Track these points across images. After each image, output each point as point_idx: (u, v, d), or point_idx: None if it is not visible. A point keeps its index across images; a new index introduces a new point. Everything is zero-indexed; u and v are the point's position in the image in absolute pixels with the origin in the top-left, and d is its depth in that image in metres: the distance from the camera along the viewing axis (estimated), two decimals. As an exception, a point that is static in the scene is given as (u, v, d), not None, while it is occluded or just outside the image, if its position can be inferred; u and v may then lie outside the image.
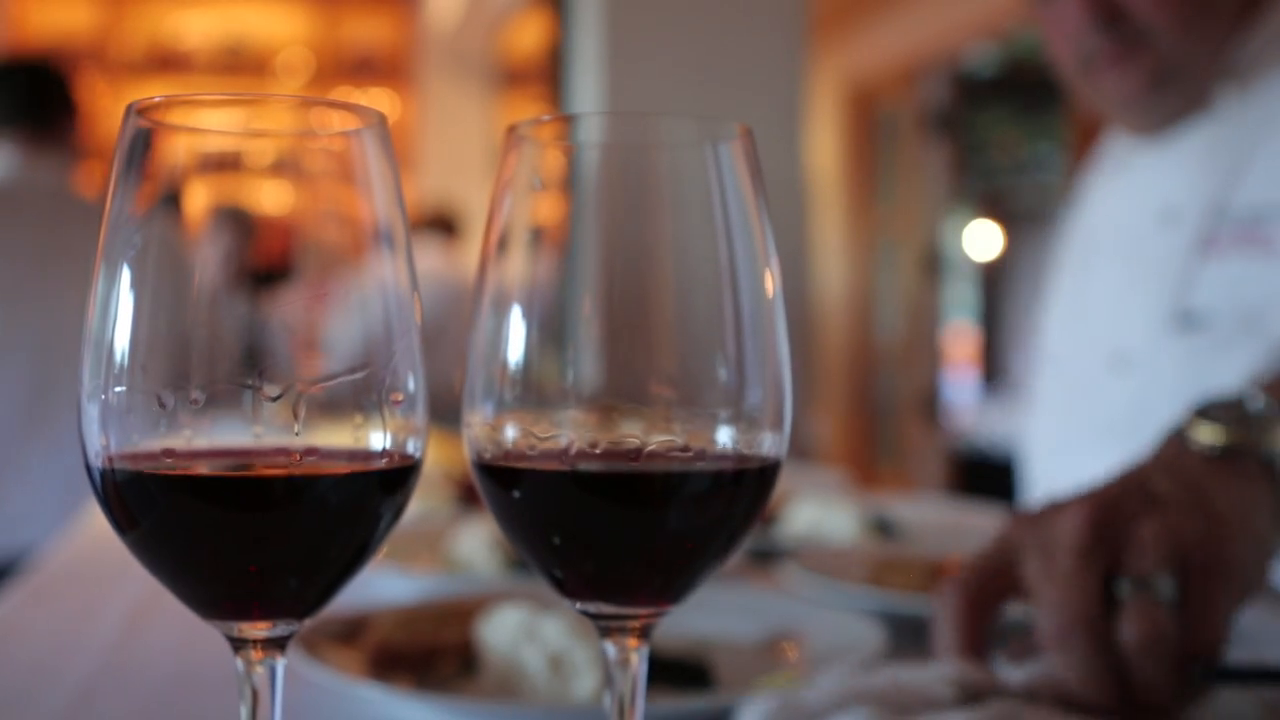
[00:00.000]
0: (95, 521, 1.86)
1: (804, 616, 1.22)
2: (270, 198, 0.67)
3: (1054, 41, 1.75)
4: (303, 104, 0.66)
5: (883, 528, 1.66)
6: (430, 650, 1.11)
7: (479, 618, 1.12)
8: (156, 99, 0.64)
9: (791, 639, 1.18)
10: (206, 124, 0.65)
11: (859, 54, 9.00)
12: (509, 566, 1.44)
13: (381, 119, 0.66)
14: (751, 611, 1.24)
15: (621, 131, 0.67)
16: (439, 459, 2.18)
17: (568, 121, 0.66)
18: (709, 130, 0.64)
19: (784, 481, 1.96)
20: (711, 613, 1.22)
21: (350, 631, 1.15)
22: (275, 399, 0.63)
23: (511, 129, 0.65)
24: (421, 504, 1.88)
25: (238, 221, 0.64)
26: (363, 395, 0.64)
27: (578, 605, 0.66)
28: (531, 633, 1.05)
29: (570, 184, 0.65)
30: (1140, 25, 1.65)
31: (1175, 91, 1.68)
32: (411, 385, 0.65)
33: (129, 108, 0.65)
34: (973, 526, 1.76)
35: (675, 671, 1.06)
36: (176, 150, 0.65)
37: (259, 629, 0.65)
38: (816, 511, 1.67)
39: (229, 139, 0.65)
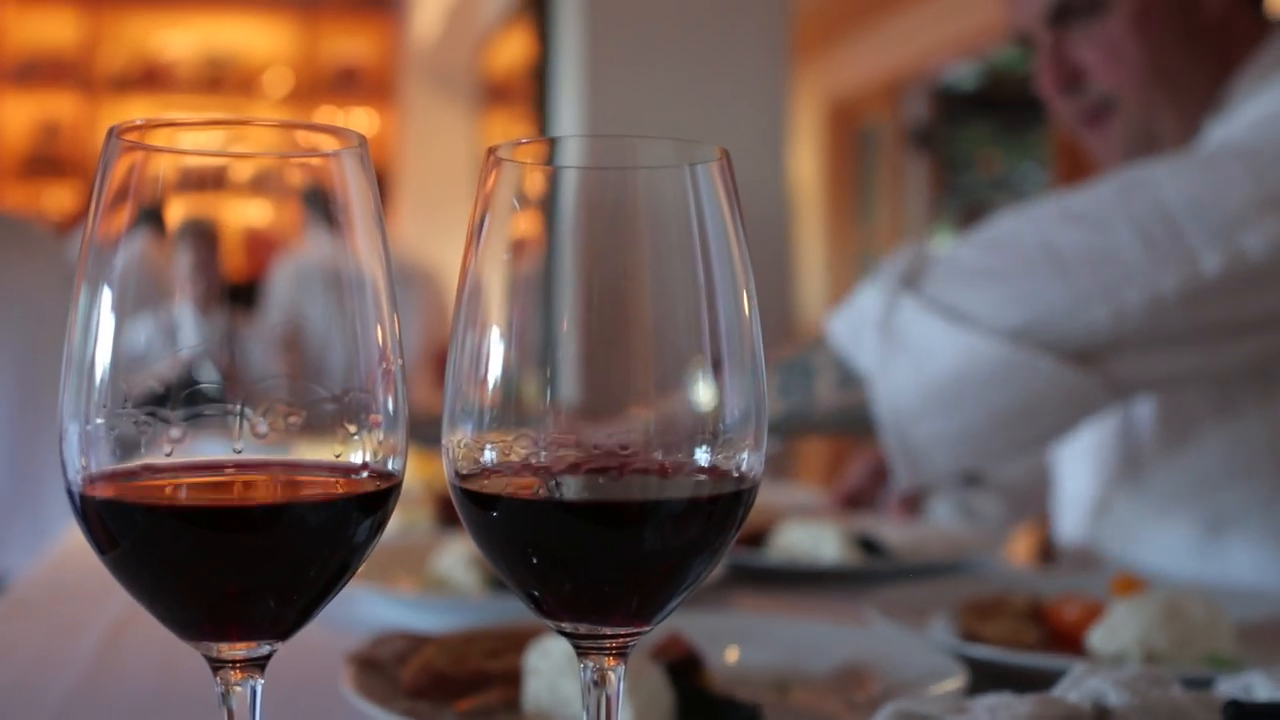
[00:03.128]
0: (75, 538, 1.86)
1: (880, 649, 1.20)
2: (246, 214, 0.67)
3: (1044, 93, 1.78)
4: (283, 126, 0.66)
5: (869, 548, 1.65)
6: (477, 677, 1.08)
7: (530, 645, 1.08)
8: (137, 122, 0.65)
9: (868, 672, 1.16)
10: (187, 147, 0.65)
11: (840, 70, 9.03)
12: (488, 585, 1.43)
13: (361, 141, 0.67)
14: (828, 644, 1.22)
15: (600, 154, 0.67)
16: (421, 474, 2.18)
17: (547, 144, 0.67)
18: (687, 153, 0.64)
19: (768, 501, 1.95)
20: (789, 649, 1.20)
21: (411, 651, 1.12)
22: (255, 419, 0.63)
23: (491, 151, 0.66)
24: (402, 518, 1.87)
25: (201, 235, 0.65)
26: (342, 416, 0.64)
27: (555, 625, 0.66)
28: (575, 663, 1.01)
29: (550, 205, 0.66)
30: (1102, 90, 1.70)
31: (1149, 148, 1.70)
32: (391, 406, 0.65)
33: (110, 131, 0.65)
34: (962, 545, 1.75)
35: (726, 712, 1.03)
36: (157, 173, 0.65)
37: (238, 650, 0.65)
38: (805, 533, 1.65)
39: (210, 161, 0.66)
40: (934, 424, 1.47)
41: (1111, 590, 1.35)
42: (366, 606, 1.39)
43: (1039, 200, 1.55)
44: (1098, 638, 1.22)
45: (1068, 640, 1.26)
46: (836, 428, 1.59)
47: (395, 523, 1.85)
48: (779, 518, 1.76)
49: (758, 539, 1.69)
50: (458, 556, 1.47)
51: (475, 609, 1.37)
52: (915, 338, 1.46)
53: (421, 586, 1.50)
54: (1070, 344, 1.41)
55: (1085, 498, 1.86)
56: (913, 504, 1.97)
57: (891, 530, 1.81)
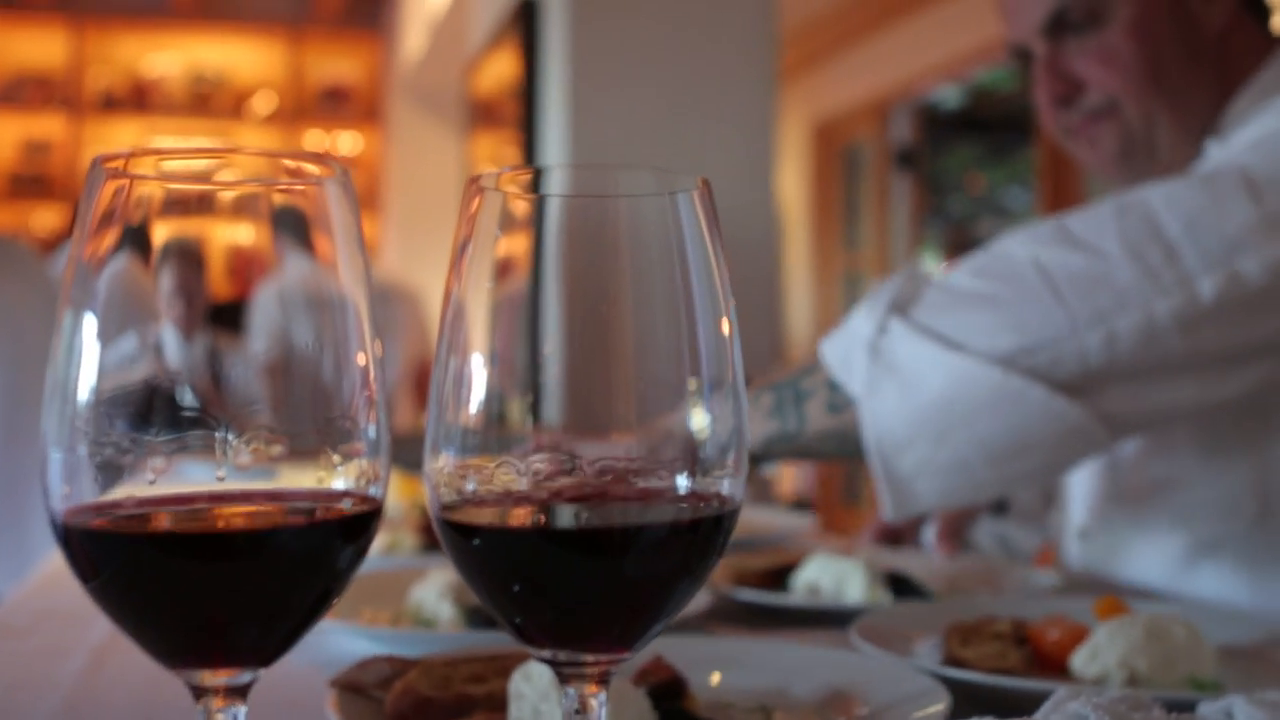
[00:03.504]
0: (60, 561, 1.85)
1: (864, 673, 1.18)
2: (230, 236, 0.67)
3: (1040, 105, 1.78)
4: (266, 155, 0.67)
5: (899, 585, 1.58)
6: (461, 702, 1.07)
7: (517, 670, 1.06)
8: (123, 153, 0.65)
9: (852, 696, 1.15)
10: (172, 177, 0.66)
11: (825, 90, 9.05)
12: (464, 619, 1.41)
13: (344, 170, 0.67)
14: (812, 668, 1.21)
15: (582, 182, 0.68)
16: (405, 495, 2.18)
17: (529, 172, 0.67)
18: (668, 182, 0.65)
19: (768, 526, 1.93)
20: (773, 672, 1.20)
21: (395, 675, 1.11)
22: (237, 447, 0.64)
23: (473, 180, 0.66)
24: (386, 541, 1.87)
25: (185, 256, 0.65)
26: (323, 442, 0.65)
27: (537, 652, 0.67)
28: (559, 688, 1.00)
29: (531, 234, 0.66)
30: (1101, 97, 1.69)
31: (1146, 157, 1.70)
32: (372, 433, 0.66)
33: (95, 161, 0.65)
34: (998, 578, 1.73)
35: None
36: (141, 201, 0.65)
37: (221, 677, 0.65)
38: (830, 570, 1.59)
39: (195, 191, 0.66)
40: (921, 452, 1.43)
41: (1094, 613, 1.35)
42: (344, 639, 1.37)
43: (1035, 222, 1.52)
44: (1080, 661, 1.22)
45: (1051, 663, 1.26)
46: (827, 451, 1.56)
47: (379, 544, 1.84)
48: (804, 555, 1.69)
49: (781, 577, 1.65)
50: (434, 588, 1.46)
51: (449, 643, 1.36)
52: (904, 362, 1.43)
53: (399, 617, 1.48)
54: (1063, 371, 1.38)
55: (1073, 523, 1.88)
56: (956, 535, 1.91)
57: (918, 564, 1.78)
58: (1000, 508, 2.01)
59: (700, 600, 1.61)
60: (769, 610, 1.57)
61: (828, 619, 1.51)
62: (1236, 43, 1.68)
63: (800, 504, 7.04)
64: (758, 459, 1.56)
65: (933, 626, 1.37)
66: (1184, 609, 1.37)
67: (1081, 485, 1.86)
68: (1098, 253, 1.40)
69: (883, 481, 1.47)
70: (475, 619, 1.40)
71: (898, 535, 1.97)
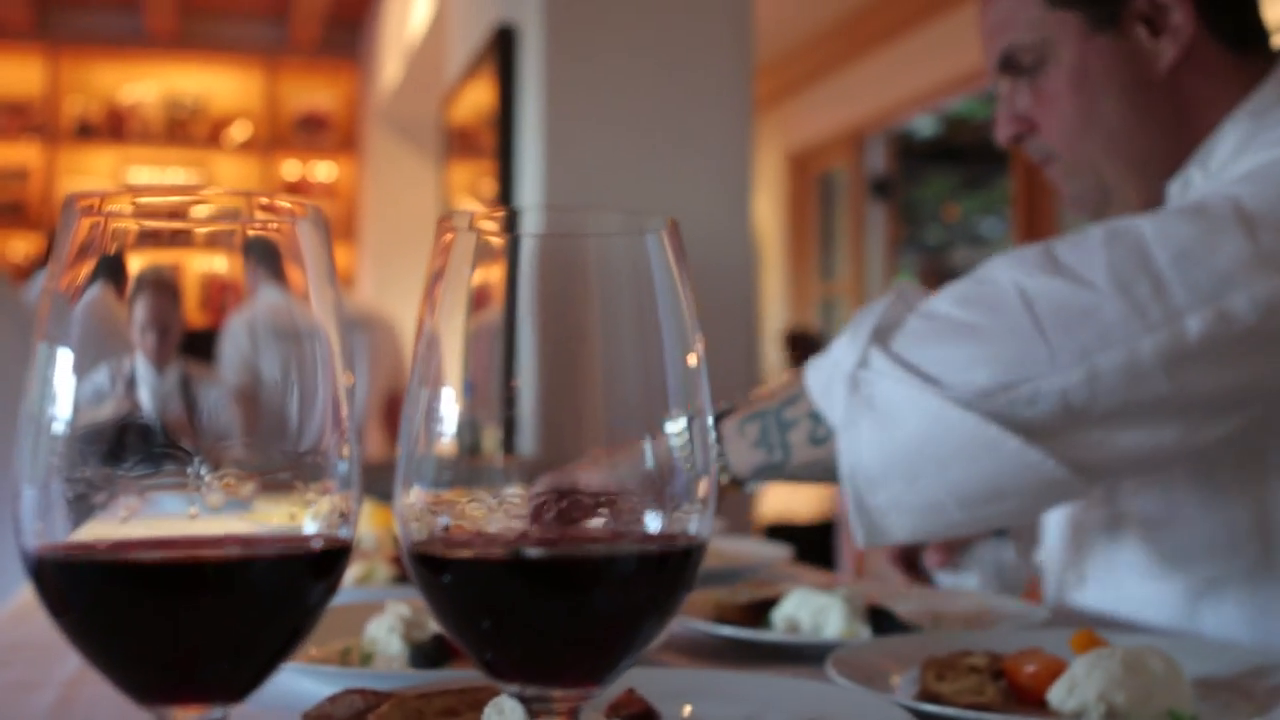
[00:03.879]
0: (30, 593, 1.83)
1: (838, 706, 1.17)
2: (202, 267, 0.67)
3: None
4: (239, 195, 0.67)
5: (880, 619, 1.57)
6: None
7: (489, 704, 1.04)
8: (97, 193, 0.65)
9: None
10: (146, 214, 0.65)
11: (800, 118, 9.10)
12: (410, 657, 1.40)
13: (317, 210, 0.67)
14: (785, 699, 1.20)
15: (553, 222, 0.68)
16: (378, 524, 2.17)
17: (500, 211, 0.67)
18: (637, 222, 0.65)
19: (743, 555, 1.93)
20: (745, 704, 1.19)
21: (368, 709, 1.10)
22: (210, 481, 0.63)
23: (444, 219, 0.66)
24: (360, 570, 1.85)
25: (161, 286, 0.65)
26: (294, 478, 0.64)
27: (505, 687, 0.66)
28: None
29: (502, 273, 0.66)
30: (1044, 144, 1.70)
31: (1101, 200, 1.69)
32: (343, 468, 0.65)
33: (69, 200, 0.65)
34: (983, 613, 1.72)
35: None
36: (117, 236, 0.65)
37: (191, 713, 0.65)
38: (809, 604, 1.59)
39: (169, 230, 0.66)
40: (894, 490, 1.42)
41: (1071, 647, 1.35)
42: (296, 676, 1.35)
43: (1025, 246, 1.48)
44: (1058, 695, 1.22)
45: (1028, 697, 1.26)
46: (811, 479, 1.57)
47: (352, 574, 1.83)
48: (785, 590, 1.68)
49: (762, 612, 1.65)
50: (386, 622, 1.45)
51: (396, 681, 1.34)
52: (881, 399, 1.40)
53: (349, 652, 1.47)
54: (1041, 409, 1.34)
55: (1058, 560, 1.85)
56: (951, 551, 1.91)
57: (904, 599, 1.77)
58: (1001, 531, 1.96)
59: (678, 634, 1.61)
60: (748, 645, 1.57)
61: (806, 654, 1.51)
62: (1191, 76, 1.64)
63: (776, 529, 7.03)
64: (744, 485, 1.56)
65: (910, 660, 1.37)
66: (1159, 641, 1.37)
67: (1061, 523, 1.83)
68: (1084, 283, 1.35)
69: (855, 513, 1.46)
70: (420, 658, 1.39)
71: (911, 557, 1.97)
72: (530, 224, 0.66)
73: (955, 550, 1.92)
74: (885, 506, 1.43)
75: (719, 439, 1.35)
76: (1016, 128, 1.71)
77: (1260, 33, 1.68)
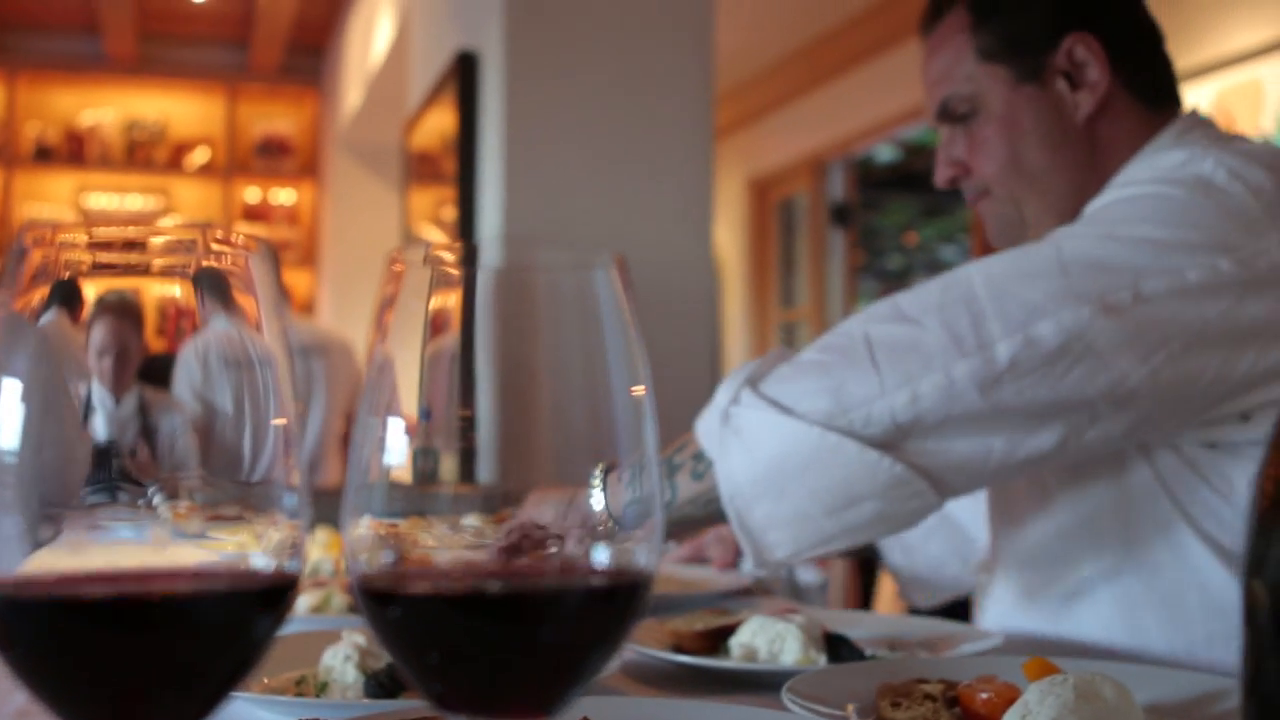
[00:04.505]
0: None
1: None
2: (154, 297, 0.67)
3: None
4: (193, 228, 0.67)
5: (837, 646, 1.59)
6: None
7: None
8: (48, 226, 0.65)
9: None
10: (100, 253, 0.65)
11: (762, 147, 9.13)
12: (365, 687, 1.40)
13: (266, 245, 0.67)
14: None
15: (501, 256, 0.68)
16: (334, 552, 2.16)
17: (451, 247, 0.68)
18: (584, 258, 0.66)
19: (707, 586, 1.95)
20: None
21: None
22: (161, 511, 0.63)
23: (394, 257, 0.67)
24: (315, 599, 1.84)
25: (120, 311, 0.65)
26: (243, 509, 0.64)
27: (455, 718, 0.66)
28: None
29: (451, 306, 0.66)
30: (979, 181, 1.88)
31: (1019, 233, 1.85)
32: (292, 500, 0.65)
33: (21, 232, 0.65)
34: (943, 639, 1.73)
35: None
36: (70, 266, 0.65)
37: (137, 748, 0.64)
38: (765, 632, 1.59)
39: (121, 263, 0.66)
40: (766, 507, 1.58)
41: (1024, 673, 1.35)
42: (246, 707, 1.35)
43: (879, 301, 1.67)
44: (1010, 721, 1.22)
45: (982, 724, 1.27)
46: (696, 516, 1.70)
47: (308, 603, 1.82)
48: (743, 618, 1.68)
49: (720, 639, 1.65)
50: (342, 651, 1.44)
51: (350, 711, 1.34)
52: (746, 426, 1.59)
53: (305, 681, 1.46)
54: (875, 427, 1.53)
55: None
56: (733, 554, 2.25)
57: (861, 626, 1.78)
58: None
59: (635, 662, 1.61)
60: (705, 673, 1.57)
61: (763, 681, 1.51)
62: (1106, 124, 1.82)
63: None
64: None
65: (865, 687, 1.37)
66: (1111, 668, 1.38)
67: (983, 528, 2.01)
68: (915, 322, 1.56)
69: (740, 535, 1.61)
70: (375, 687, 1.39)
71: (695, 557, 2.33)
72: (479, 257, 0.67)
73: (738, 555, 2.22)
74: (763, 523, 1.59)
75: (605, 489, 1.34)
76: (953, 170, 1.91)
77: (1171, 90, 1.89)
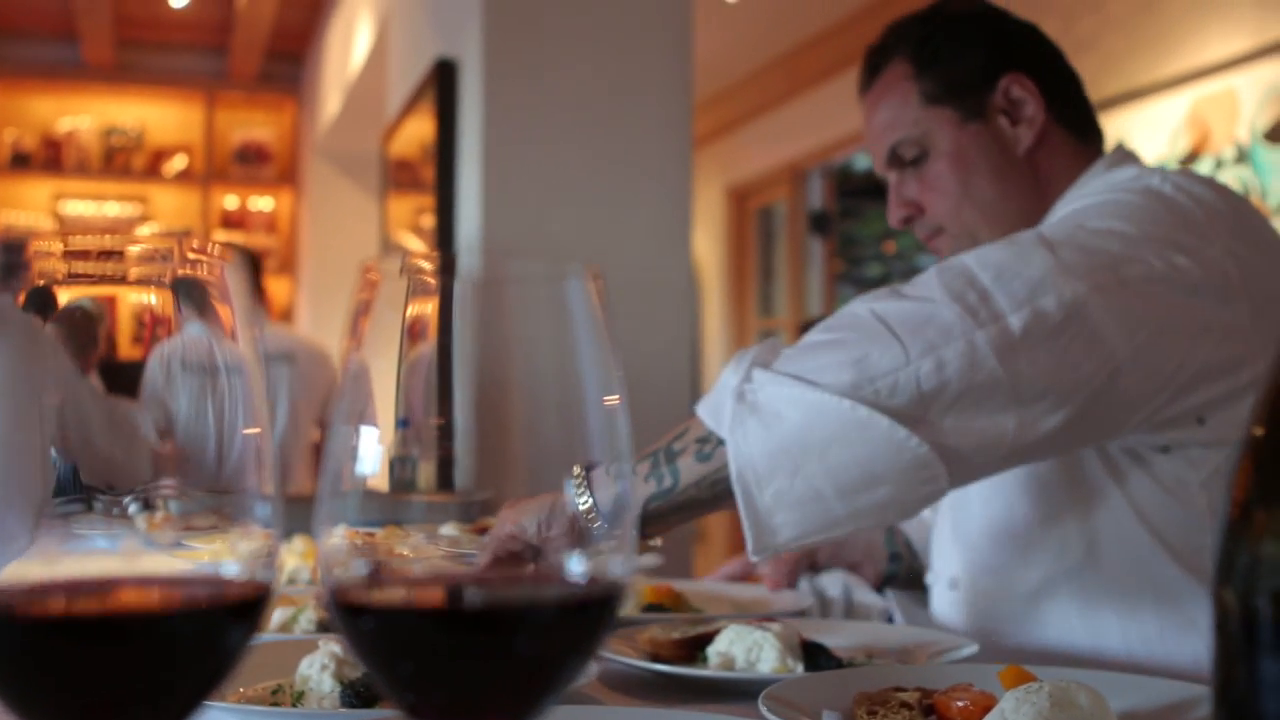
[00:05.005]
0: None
1: None
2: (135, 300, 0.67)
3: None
4: (167, 237, 0.67)
5: (815, 655, 1.60)
6: None
7: None
8: (22, 237, 0.65)
9: None
10: (75, 261, 0.65)
11: (741, 155, 9.15)
12: (341, 697, 1.39)
13: (248, 254, 0.67)
14: None
15: (475, 267, 0.68)
16: (310, 560, 2.15)
17: (426, 258, 0.68)
18: (557, 270, 0.66)
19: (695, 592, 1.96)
20: None
21: None
22: (134, 520, 0.63)
23: (368, 266, 0.67)
24: (281, 617, 1.82)
25: (75, 320, 0.64)
26: (217, 518, 0.64)
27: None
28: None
29: (425, 317, 0.66)
30: (932, 221, 2.00)
31: None
32: (265, 509, 0.65)
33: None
34: (918, 647, 1.74)
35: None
36: (43, 275, 0.65)
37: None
38: (743, 640, 1.59)
39: (96, 272, 0.66)
40: (779, 485, 1.56)
41: (1000, 681, 1.36)
42: (219, 715, 1.34)
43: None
44: (986, 729, 1.23)
45: (957, 731, 1.27)
46: (702, 499, 1.66)
47: (281, 615, 1.81)
48: (718, 629, 1.68)
49: (698, 647, 1.65)
50: (319, 660, 1.44)
51: None
52: (765, 401, 1.57)
53: (281, 690, 1.46)
54: (902, 396, 1.54)
55: (942, 577, 2.12)
56: (789, 576, 2.28)
57: (839, 634, 1.78)
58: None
59: (612, 671, 1.61)
60: (682, 681, 1.57)
61: (740, 689, 1.52)
62: (1045, 156, 1.98)
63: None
64: (639, 524, 1.67)
65: (842, 695, 1.38)
66: (1086, 676, 1.39)
67: (950, 539, 2.07)
68: (924, 299, 1.60)
69: (745, 515, 1.57)
70: (351, 697, 1.38)
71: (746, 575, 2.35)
72: (453, 267, 0.67)
73: (793, 575, 2.28)
74: (772, 504, 1.57)
75: (590, 489, 1.40)
76: (906, 211, 2.03)
77: (1096, 126, 2.05)
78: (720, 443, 1.61)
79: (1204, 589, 1.72)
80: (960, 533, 2.02)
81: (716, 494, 1.63)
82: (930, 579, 2.18)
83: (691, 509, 1.67)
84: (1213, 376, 1.68)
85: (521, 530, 1.44)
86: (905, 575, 2.38)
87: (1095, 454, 1.80)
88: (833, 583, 2.34)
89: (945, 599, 2.10)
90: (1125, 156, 1.97)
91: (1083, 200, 1.82)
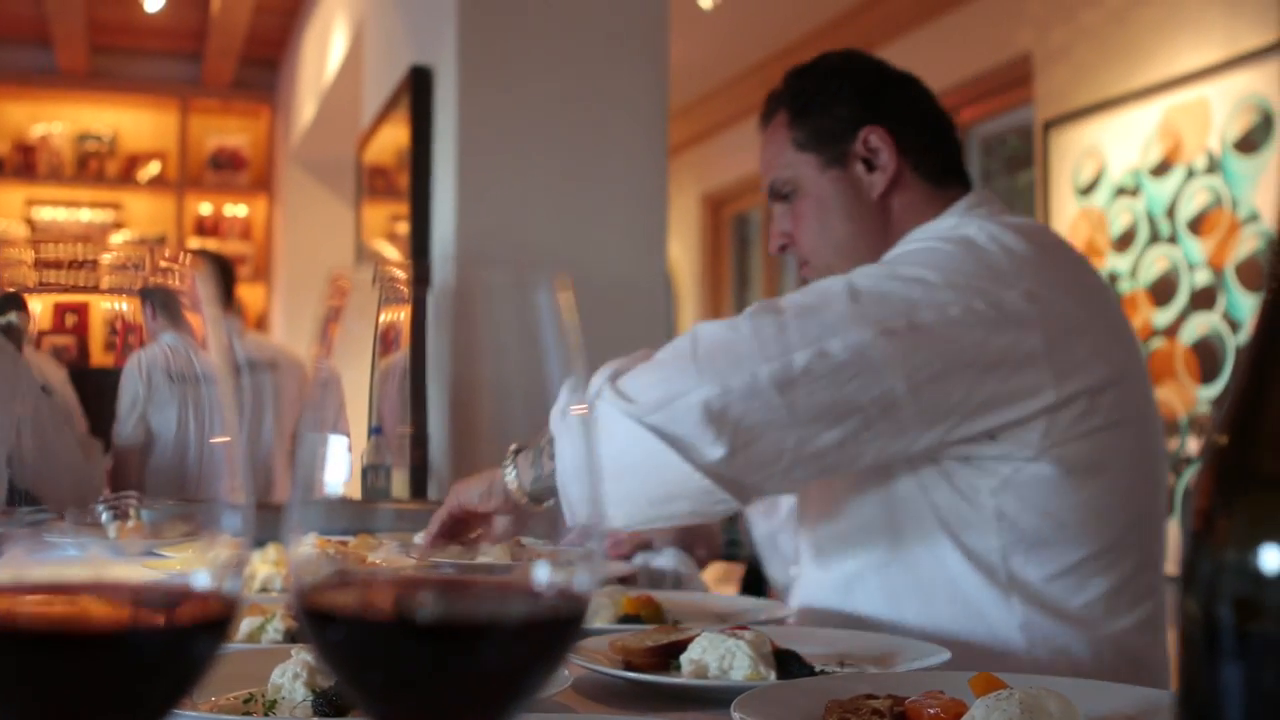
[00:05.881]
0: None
1: None
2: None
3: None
4: (139, 246, 0.67)
5: (787, 662, 1.60)
6: None
7: None
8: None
9: None
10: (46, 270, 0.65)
11: (715, 162, 9.16)
12: (313, 706, 1.39)
13: (222, 260, 0.67)
14: None
15: (445, 275, 0.69)
16: (284, 567, 2.14)
17: (397, 266, 0.68)
18: (525, 278, 0.66)
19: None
20: None
21: None
22: (104, 527, 0.63)
23: (336, 276, 0.67)
24: (248, 626, 1.81)
25: (14, 334, 0.64)
26: (185, 528, 0.64)
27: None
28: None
29: (394, 325, 0.67)
30: (801, 252, 2.26)
31: None
32: (237, 518, 0.65)
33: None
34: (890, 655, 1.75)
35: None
36: (15, 282, 0.65)
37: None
38: (715, 648, 1.59)
39: (68, 282, 0.66)
40: (605, 487, 1.76)
41: (971, 688, 1.36)
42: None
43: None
44: (957, 736, 1.23)
45: (929, 739, 1.28)
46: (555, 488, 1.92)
47: (249, 624, 1.80)
48: (691, 637, 1.68)
49: (671, 655, 1.65)
50: (291, 668, 1.44)
51: None
52: (599, 416, 1.83)
53: (254, 699, 1.46)
54: (691, 416, 1.79)
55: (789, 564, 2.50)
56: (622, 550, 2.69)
57: (811, 642, 1.79)
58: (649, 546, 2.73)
59: (585, 679, 1.61)
60: (655, 689, 1.57)
61: (713, 697, 1.52)
62: (898, 200, 2.20)
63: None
64: (536, 500, 1.92)
65: (814, 703, 1.38)
66: (1055, 683, 1.40)
67: (790, 531, 2.43)
68: (735, 328, 1.87)
69: (567, 509, 1.80)
70: (323, 706, 1.38)
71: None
72: (424, 277, 0.67)
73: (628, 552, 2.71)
74: (585, 499, 1.82)
75: (516, 467, 1.82)
76: (782, 240, 2.28)
77: (958, 170, 2.26)
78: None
79: (991, 585, 2.01)
80: (800, 524, 2.31)
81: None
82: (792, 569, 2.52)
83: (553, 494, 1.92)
84: (1002, 404, 1.91)
85: (466, 503, 1.80)
86: (747, 558, 2.82)
87: (905, 465, 2.02)
88: (666, 559, 2.70)
89: (788, 580, 2.51)
90: (980, 202, 2.18)
91: (909, 244, 2.07)
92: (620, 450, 1.82)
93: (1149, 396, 2.12)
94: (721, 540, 2.83)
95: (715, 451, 1.81)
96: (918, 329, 1.86)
